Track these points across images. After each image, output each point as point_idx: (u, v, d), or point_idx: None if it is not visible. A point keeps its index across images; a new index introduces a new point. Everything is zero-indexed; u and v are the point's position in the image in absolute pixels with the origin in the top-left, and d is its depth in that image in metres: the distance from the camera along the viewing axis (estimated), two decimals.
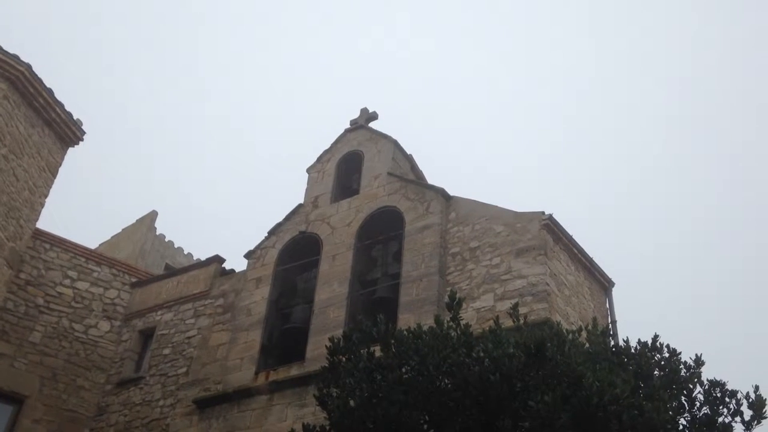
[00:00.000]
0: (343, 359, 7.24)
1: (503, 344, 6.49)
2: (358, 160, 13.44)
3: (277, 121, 56.66)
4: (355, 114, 14.25)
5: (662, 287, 42.68)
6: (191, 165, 54.95)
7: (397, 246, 11.92)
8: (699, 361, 7.15)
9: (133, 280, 14.20)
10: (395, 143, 13.29)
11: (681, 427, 6.75)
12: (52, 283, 13.27)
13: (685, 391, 6.95)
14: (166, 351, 12.89)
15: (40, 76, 13.32)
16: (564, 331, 6.89)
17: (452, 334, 6.87)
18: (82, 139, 14.49)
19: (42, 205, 13.61)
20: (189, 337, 12.80)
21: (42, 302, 13.02)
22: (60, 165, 14.20)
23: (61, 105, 13.86)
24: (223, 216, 50.93)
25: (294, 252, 12.85)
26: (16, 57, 12.89)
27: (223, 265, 13.64)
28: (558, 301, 10.00)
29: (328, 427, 7.04)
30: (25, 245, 13.11)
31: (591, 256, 11.62)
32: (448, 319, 7.06)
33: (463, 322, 7.01)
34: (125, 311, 13.79)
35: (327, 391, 7.16)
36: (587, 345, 7.12)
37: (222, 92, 57.78)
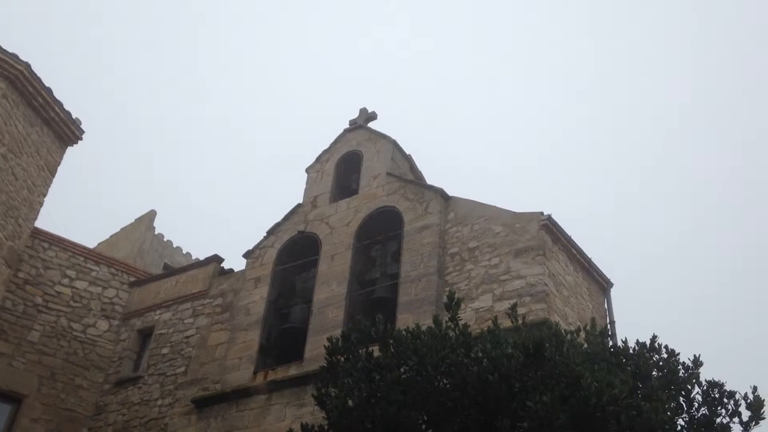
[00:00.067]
0: (342, 359, 7.24)
1: (502, 344, 6.49)
2: (357, 160, 13.44)
3: (277, 121, 56.70)
4: (355, 114, 14.26)
5: (662, 287, 42.78)
6: (191, 165, 54.98)
7: (395, 246, 11.92)
8: (697, 362, 7.16)
9: (132, 279, 14.20)
10: (394, 143, 13.29)
11: (679, 427, 6.76)
12: (50, 282, 13.27)
13: (683, 392, 6.96)
14: (165, 350, 12.89)
15: (39, 75, 13.33)
16: (562, 331, 6.89)
17: (451, 335, 6.87)
18: (81, 139, 14.49)
19: (41, 204, 13.61)
20: (187, 337, 12.80)
21: (40, 301, 13.01)
22: (59, 164, 14.20)
23: (60, 104, 13.86)
24: (223, 216, 50.99)
25: (293, 252, 12.85)
26: (15, 56, 12.88)
27: (221, 265, 13.64)
28: (556, 302, 10.01)
29: (326, 427, 7.04)
30: (23, 244, 13.11)
31: (590, 257, 11.63)
32: (447, 319, 7.06)
33: (461, 323, 7.01)
34: (124, 310, 13.79)
35: (325, 390, 7.16)
36: (586, 345, 7.12)
37: (222, 92, 57.82)
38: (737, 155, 50.77)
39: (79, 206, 45.43)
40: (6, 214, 12.54)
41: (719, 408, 6.80)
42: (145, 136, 55.14)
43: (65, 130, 14.12)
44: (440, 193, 11.71)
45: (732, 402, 6.79)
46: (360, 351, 7.18)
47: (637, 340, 7.36)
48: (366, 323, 7.35)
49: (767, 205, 46.13)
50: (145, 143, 54.91)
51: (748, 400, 6.71)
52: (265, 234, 13.31)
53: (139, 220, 19.96)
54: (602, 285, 11.93)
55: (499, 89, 57.20)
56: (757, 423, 6.66)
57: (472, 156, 52.63)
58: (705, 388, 6.92)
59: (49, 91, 13.57)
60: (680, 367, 7.11)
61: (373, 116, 14.12)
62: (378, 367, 6.93)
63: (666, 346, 7.29)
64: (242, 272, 13.09)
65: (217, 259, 13.70)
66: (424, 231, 11.38)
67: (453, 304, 7.09)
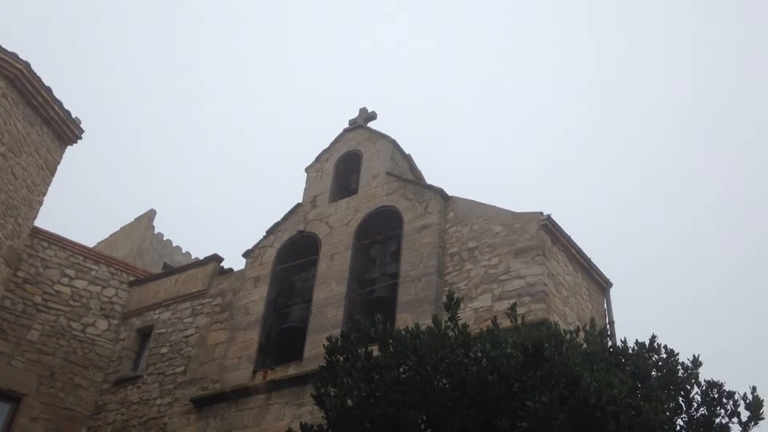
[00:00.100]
0: (341, 359, 7.24)
1: (501, 344, 6.49)
2: (356, 160, 13.44)
3: (277, 121, 56.69)
4: (355, 114, 14.26)
5: (662, 287, 42.81)
6: (191, 165, 54.97)
7: (395, 246, 11.92)
8: (696, 362, 7.16)
9: (131, 278, 14.20)
10: (394, 143, 13.29)
11: (678, 427, 6.76)
12: (49, 281, 13.26)
13: (682, 392, 6.96)
14: (164, 350, 12.89)
15: (38, 74, 13.33)
16: (562, 331, 6.89)
17: (450, 334, 6.87)
18: (81, 138, 14.49)
19: (40, 203, 13.61)
20: (187, 336, 12.80)
21: (40, 300, 13.01)
22: (58, 163, 14.20)
23: (59, 103, 13.85)
24: (223, 216, 50.97)
25: (292, 251, 12.85)
26: (14, 55, 12.88)
27: (221, 264, 13.63)
28: (556, 302, 10.01)
29: (325, 427, 7.05)
30: (23, 243, 13.10)
31: (589, 257, 11.63)
32: (446, 319, 7.06)
33: (461, 322, 7.01)
34: (123, 310, 13.79)
35: (325, 390, 7.16)
36: (585, 345, 7.12)
37: (222, 92, 57.80)
38: (737, 155, 50.83)
39: (79, 205, 45.49)
40: (5, 213, 12.54)
41: (718, 408, 6.80)
42: (145, 135, 55.17)
43: (65, 130, 14.12)
44: (440, 193, 11.71)
45: (731, 402, 6.79)
46: (359, 351, 7.17)
47: (637, 340, 7.36)
48: (365, 323, 7.35)
49: (767, 205, 46.15)
50: (145, 143, 54.95)
51: (747, 401, 6.71)
52: (265, 233, 13.31)
53: (138, 219, 19.95)
54: (601, 285, 11.93)
55: (499, 89, 57.24)
56: (756, 423, 6.67)
57: (471, 156, 52.67)
58: (704, 388, 6.92)
59: (48, 90, 13.57)
60: (679, 367, 7.11)
61: (372, 116, 14.12)
62: (377, 366, 6.93)
63: (665, 346, 7.29)
64: (242, 272, 13.09)
65: (216, 259, 13.70)
66: (424, 231, 11.37)
67: (452, 304, 7.09)
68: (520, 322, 7.15)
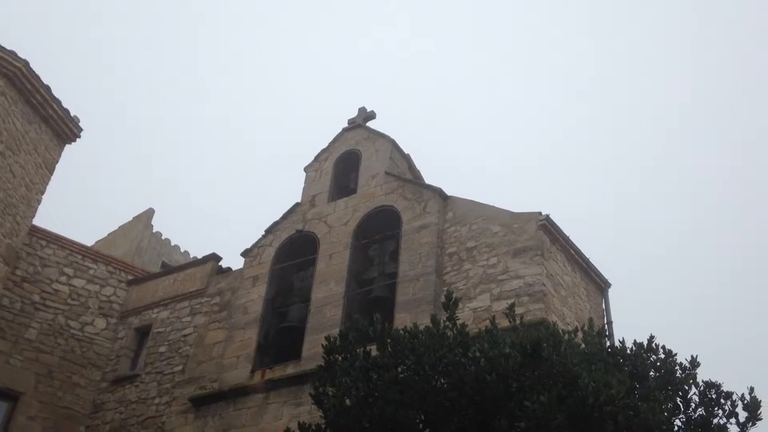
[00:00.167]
0: (340, 358, 7.24)
1: (499, 344, 6.49)
2: (355, 160, 13.44)
3: (277, 121, 56.66)
4: (354, 113, 14.26)
5: (662, 288, 42.84)
6: (190, 164, 54.93)
7: (394, 245, 11.92)
8: (694, 363, 7.17)
9: (130, 277, 14.19)
10: (393, 143, 13.30)
11: (676, 428, 6.77)
12: (48, 280, 13.25)
13: (680, 392, 6.96)
14: (162, 349, 12.88)
15: (38, 73, 13.31)
16: (560, 331, 6.89)
17: (448, 334, 6.87)
18: (80, 136, 14.49)
19: (38, 201, 13.60)
20: (185, 335, 12.80)
21: (38, 299, 13.00)
22: (57, 162, 14.20)
23: (58, 102, 13.85)
24: (222, 215, 50.96)
25: (291, 251, 12.85)
26: (13, 53, 12.87)
27: (219, 264, 13.63)
28: (554, 302, 10.01)
29: (323, 426, 7.05)
30: (21, 242, 13.09)
31: (588, 257, 11.64)
32: (445, 318, 7.06)
33: (459, 322, 7.01)
34: (121, 309, 13.78)
35: (323, 389, 7.16)
36: (583, 346, 7.13)
37: (222, 92, 57.76)
38: (737, 155, 50.85)
39: (78, 204, 45.48)
40: (4, 211, 12.53)
41: (716, 409, 6.81)
42: (145, 135, 55.14)
43: (63, 128, 14.11)
44: (438, 193, 11.71)
45: (729, 403, 6.79)
46: (357, 350, 7.17)
47: (635, 341, 7.37)
48: (364, 322, 7.35)
49: (767, 205, 46.17)
50: (145, 143, 54.92)
51: (745, 401, 6.71)
52: (264, 233, 13.31)
53: (137, 218, 19.94)
54: (600, 285, 11.94)
55: (499, 89, 57.25)
56: (753, 424, 6.67)
57: (471, 156, 52.67)
58: (702, 388, 6.93)
59: (47, 88, 13.57)
60: (677, 367, 7.12)
61: (371, 115, 14.12)
62: (375, 366, 6.93)
63: (663, 347, 7.30)
64: (240, 271, 13.08)
65: (215, 258, 13.69)
66: (423, 230, 11.38)
67: (451, 304, 7.10)
68: (518, 322, 7.15)
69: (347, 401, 6.83)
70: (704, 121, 51.50)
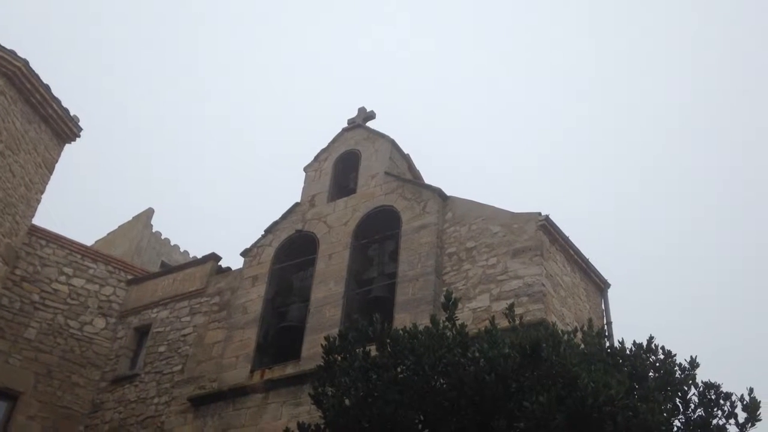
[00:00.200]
0: (339, 358, 7.24)
1: (499, 344, 6.49)
2: (355, 159, 13.44)
3: (277, 121, 56.64)
4: (354, 114, 14.26)
5: (662, 288, 42.84)
6: (190, 164, 54.91)
7: (393, 245, 11.92)
8: (694, 363, 7.18)
9: (129, 277, 14.19)
10: (392, 143, 13.30)
11: (675, 428, 6.77)
12: (47, 279, 13.25)
13: (679, 393, 6.96)
14: (162, 348, 12.88)
15: (37, 72, 13.31)
16: (559, 331, 6.89)
17: (448, 334, 6.87)
18: (79, 136, 14.49)
19: (38, 201, 13.60)
20: (184, 335, 12.79)
21: (37, 299, 13.00)
22: (56, 161, 14.20)
23: (58, 101, 13.84)
24: (222, 215, 50.94)
25: (290, 250, 12.85)
26: (13, 52, 12.87)
27: (219, 263, 13.63)
28: (554, 302, 10.01)
29: (323, 426, 7.05)
30: (20, 241, 13.09)
31: (587, 257, 11.64)
32: (444, 319, 7.06)
33: (458, 322, 7.01)
34: (121, 308, 13.78)
35: (322, 389, 7.16)
36: (582, 346, 7.13)
37: (222, 92, 57.74)
38: (737, 155, 50.83)
39: (77, 204, 45.44)
40: (3, 211, 12.53)
41: (715, 409, 6.81)
42: (145, 135, 55.11)
43: (63, 127, 14.11)
44: (438, 193, 11.71)
45: (728, 403, 6.80)
46: (357, 350, 7.17)
47: (634, 341, 7.37)
48: (363, 322, 7.35)
49: (767, 205, 46.17)
50: (145, 142, 54.90)
51: (744, 402, 6.71)
52: (263, 233, 13.31)
53: (136, 218, 19.93)
54: (599, 286, 11.95)
55: (499, 89, 57.23)
56: (752, 424, 6.67)
57: (471, 156, 52.66)
58: (701, 389, 6.93)
59: (47, 87, 13.56)
60: (677, 368, 7.12)
61: (371, 115, 14.12)
62: (375, 366, 6.93)
63: (662, 347, 7.30)
64: (240, 270, 13.08)
65: (214, 258, 13.69)
66: (422, 230, 11.38)
67: (450, 304, 7.09)
68: (517, 322, 7.15)
69: (346, 401, 6.82)
70: (704, 121, 51.54)
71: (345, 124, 14.17)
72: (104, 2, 53.29)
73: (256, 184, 52.31)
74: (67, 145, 14.45)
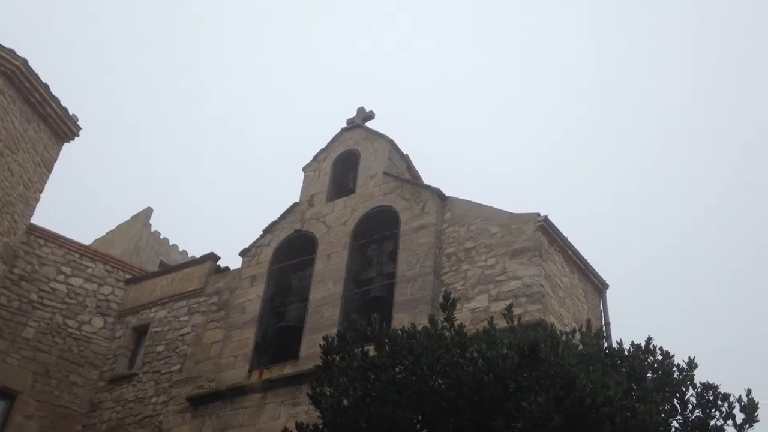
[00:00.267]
0: (337, 358, 7.24)
1: (497, 345, 6.50)
2: (354, 160, 13.44)
3: (277, 121, 56.59)
4: (353, 114, 14.26)
5: (662, 288, 42.83)
6: (190, 164, 54.87)
7: (392, 245, 11.92)
8: (692, 364, 7.18)
9: (128, 276, 14.18)
10: (392, 143, 13.30)
11: (673, 429, 6.77)
12: (45, 278, 13.24)
13: (677, 394, 6.97)
14: (160, 348, 12.87)
15: (37, 72, 13.30)
16: (558, 332, 6.90)
17: (446, 335, 6.87)
18: (78, 135, 14.48)
19: (36, 200, 13.59)
20: (183, 335, 12.79)
21: (35, 298, 12.99)
22: (55, 160, 14.19)
23: (57, 100, 13.84)
24: (221, 215, 50.90)
25: (289, 250, 12.85)
26: (12, 51, 12.86)
27: (217, 263, 13.62)
28: (552, 303, 10.02)
29: (321, 426, 7.04)
30: (19, 240, 13.08)
31: (586, 258, 11.65)
32: (443, 319, 7.07)
33: (457, 323, 7.02)
34: (119, 308, 13.77)
35: (320, 389, 7.16)
36: (581, 347, 7.13)
37: (222, 92, 57.69)
38: (737, 155, 50.82)
39: (76, 203, 45.39)
40: (2, 210, 12.52)
41: (713, 410, 6.81)
42: (145, 135, 55.06)
43: (62, 127, 14.10)
44: (437, 193, 11.71)
45: (726, 404, 6.80)
46: (355, 350, 7.18)
47: (632, 342, 7.37)
48: (362, 322, 7.35)
49: (767, 205, 46.19)
50: (145, 142, 54.84)
51: (742, 403, 6.72)
52: (262, 232, 13.30)
53: (135, 217, 19.92)
54: (598, 287, 11.96)
55: (499, 89, 57.21)
56: (750, 425, 6.68)
57: (472, 156, 52.64)
58: (699, 390, 6.94)
59: (46, 87, 13.56)
60: (675, 369, 7.13)
61: (370, 115, 14.12)
62: (373, 366, 6.94)
63: (661, 348, 7.31)
64: (238, 270, 13.08)
65: (213, 257, 13.68)
66: (421, 231, 11.38)
67: (449, 304, 7.10)
68: (516, 322, 7.15)
69: (345, 401, 6.83)
70: (704, 121, 51.54)
71: (344, 124, 14.17)
72: (104, 2, 53.28)
73: (256, 184, 52.28)
74: (66, 145, 14.45)
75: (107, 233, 20.15)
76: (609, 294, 12.03)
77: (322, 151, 13.99)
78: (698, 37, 53.08)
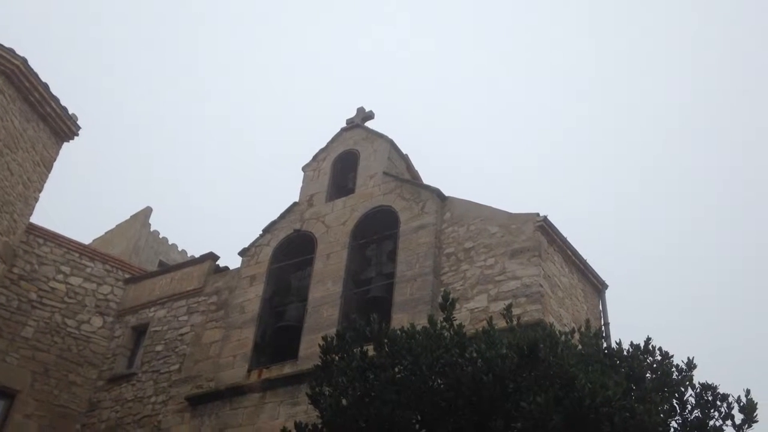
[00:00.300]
0: (336, 358, 7.24)
1: (496, 345, 6.50)
2: (353, 159, 13.44)
3: (277, 121, 56.56)
4: (353, 113, 14.26)
5: (662, 288, 42.83)
6: (190, 164, 54.85)
7: (391, 245, 11.92)
8: (691, 365, 7.18)
9: (127, 276, 14.18)
10: (391, 143, 13.30)
11: (672, 430, 6.78)
12: (45, 278, 13.24)
13: (676, 394, 6.97)
14: (159, 347, 12.87)
15: (37, 72, 13.29)
16: (557, 332, 6.90)
17: (445, 335, 6.87)
18: (77, 134, 14.48)
19: (36, 199, 13.59)
20: (182, 334, 12.79)
21: (35, 297, 12.98)
22: (54, 160, 14.19)
23: (56, 99, 13.83)
24: (220, 215, 50.88)
25: (288, 250, 12.84)
26: (11, 51, 12.85)
27: (217, 263, 13.62)
28: (551, 303, 10.02)
29: (320, 426, 7.04)
30: (18, 240, 13.08)
31: (585, 258, 11.66)
32: (442, 319, 7.07)
33: (456, 323, 7.02)
34: (118, 307, 13.77)
35: (319, 389, 7.16)
36: (580, 347, 7.14)
37: (222, 92, 57.67)
38: (737, 155, 50.81)
39: (75, 202, 45.38)
40: (1, 209, 12.52)
41: (712, 411, 6.81)
42: (145, 135, 55.03)
43: (61, 126, 14.09)
44: (436, 193, 11.71)
45: (725, 405, 6.80)
46: (354, 350, 7.18)
47: (631, 342, 7.38)
48: (361, 322, 7.36)
49: (767, 205, 46.19)
50: (144, 142, 54.81)
51: (741, 403, 6.72)
52: (261, 232, 13.30)
53: (134, 217, 19.91)
54: (597, 287, 11.96)
55: (499, 89, 57.19)
56: (749, 426, 6.68)
57: (472, 156, 52.63)
58: (698, 390, 6.94)
59: (45, 86, 13.55)
60: (674, 369, 7.13)
61: (370, 115, 14.12)
62: (372, 366, 6.94)
63: (660, 348, 7.31)
64: (237, 270, 13.08)
65: (212, 257, 13.68)
66: (420, 231, 11.38)
67: (448, 304, 7.10)
68: (515, 322, 7.15)
69: (344, 401, 6.83)
70: (704, 121, 51.53)
71: (344, 124, 14.17)
72: (104, 2, 53.27)
73: (256, 184, 52.26)
74: (65, 144, 14.44)
75: (106, 233, 20.14)
76: (608, 294, 12.06)
77: (322, 151, 13.99)
78: (698, 37, 53.10)
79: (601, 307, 11.88)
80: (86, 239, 17.60)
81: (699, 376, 7.11)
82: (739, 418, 6.72)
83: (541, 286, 9.84)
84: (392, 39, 58.10)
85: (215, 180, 53.74)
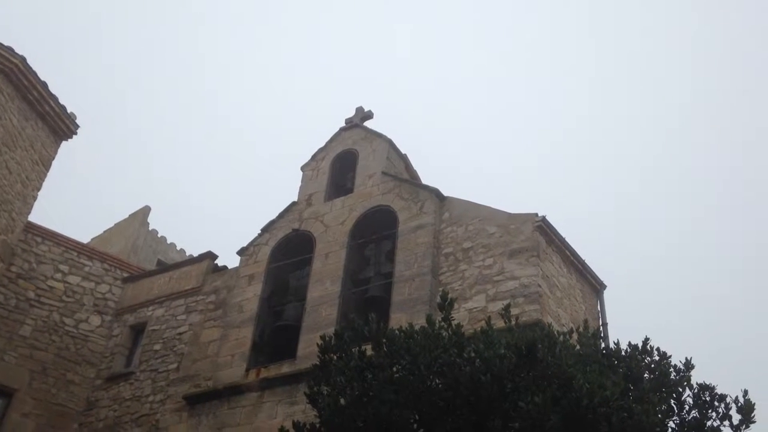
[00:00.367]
0: (335, 357, 7.24)
1: (494, 345, 6.50)
2: (352, 159, 13.43)
3: (277, 121, 56.53)
4: (352, 113, 14.25)
5: (662, 288, 42.82)
6: (189, 163, 54.81)
7: (390, 245, 11.92)
8: (689, 365, 7.20)
9: (125, 275, 14.16)
10: (390, 143, 13.30)
11: (670, 430, 6.79)
12: (43, 276, 13.23)
13: (674, 395, 6.99)
14: (157, 346, 12.86)
15: (35, 70, 13.28)
16: (555, 332, 6.91)
17: (444, 334, 6.88)
18: (76, 133, 14.46)
19: (34, 198, 13.57)
20: (180, 333, 12.78)
21: (33, 296, 12.97)
22: (53, 158, 14.17)
23: (55, 98, 13.81)
24: (219, 214, 50.81)
25: (287, 249, 12.84)
26: (10, 49, 12.84)
27: (215, 262, 13.61)
28: (550, 303, 10.03)
29: (318, 425, 7.05)
30: (16, 238, 13.07)
31: (584, 259, 11.66)
32: (440, 319, 7.07)
33: (454, 323, 7.02)
34: (116, 306, 13.76)
35: (318, 389, 7.17)
36: (578, 347, 7.14)
37: (222, 92, 57.64)
38: (737, 155, 50.83)
39: (74, 201, 45.30)
40: None
41: (710, 411, 6.83)
42: (145, 135, 54.96)
43: (60, 125, 14.08)
44: (435, 193, 11.71)
45: (723, 405, 6.82)
46: (353, 350, 7.18)
47: (629, 343, 7.39)
48: (359, 322, 7.36)
49: (767, 205, 46.22)
50: (144, 141, 54.77)
51: (739, 404, 6.74)
52: (260, 231, 13.30)
53: (133, 215, 19.89)
54: (595, 287, 11.97)
55: (499, 89, 57.20)
56: (747, 426, 6.70)
57: (472, 156, 52.64)
58: (696, 390, 6.96)
59: (44, 85, 13.54)
60: (672, 369, 7.14)
61: (369, 115, 14.12)
62: (370, 366, 6.94)
63: (658, 349, 7.32)
64: (236, 269, 13.07)
65: (210, 256, 13.68)
66: (419, 231, 11.38)
67: (446, 304, 7.10)
68: (513, 323, 7.16)
69: (342, 401, 6.83)
70: (704, 121, 51.56)
71: (343, 124, 14.17)
72: (104, 2, 53.24)
73: (255, 184, 52.24)
74: (64, 143, 14.43)
75: (105, 231, 20.12)
76: (607, 294, 12.06)
77: (321, 150, 13.98)
78: (698, 37, 53.13)
79: (599, 307, 11.89)
80: (85, 238, 17.59)
81: (698, 377, 7.14)
82: (736, 418, 6.74)
83: (540, 286, 9.84)
84: (392, 39, 58.15)
85: (214, 179, 53.71)
